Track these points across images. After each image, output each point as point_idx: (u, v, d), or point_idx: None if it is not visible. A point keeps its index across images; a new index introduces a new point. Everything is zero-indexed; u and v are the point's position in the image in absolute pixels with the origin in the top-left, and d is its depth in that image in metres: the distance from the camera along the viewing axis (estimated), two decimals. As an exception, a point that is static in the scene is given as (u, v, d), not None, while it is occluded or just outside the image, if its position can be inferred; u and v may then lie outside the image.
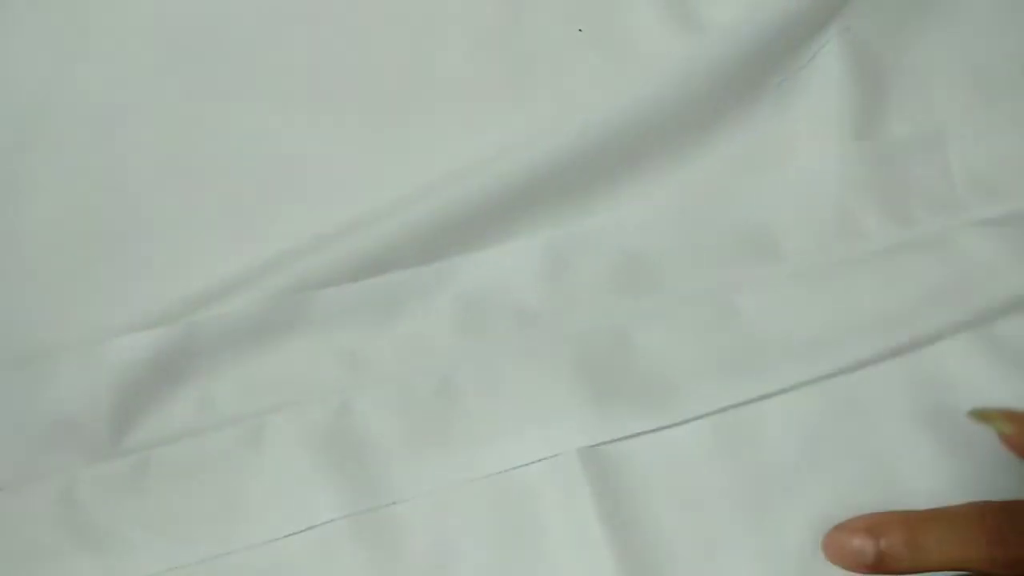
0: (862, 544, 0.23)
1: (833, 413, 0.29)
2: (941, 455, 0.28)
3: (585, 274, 0.32)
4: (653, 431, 0.29)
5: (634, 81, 0.33)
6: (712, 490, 0.28)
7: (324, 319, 0.32)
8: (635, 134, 0.33)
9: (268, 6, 0.37)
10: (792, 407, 0.29)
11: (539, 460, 0.29)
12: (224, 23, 0.36)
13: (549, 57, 0.36)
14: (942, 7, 0.35)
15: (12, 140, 0.35)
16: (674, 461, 0.29)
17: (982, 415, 0.26)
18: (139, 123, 0.35)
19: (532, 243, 0.33)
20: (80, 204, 0.34)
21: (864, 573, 0.23)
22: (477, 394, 0.30)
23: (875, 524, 0.23)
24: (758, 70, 0.34)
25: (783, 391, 0.29)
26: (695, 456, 0.29)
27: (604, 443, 0.29)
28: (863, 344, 0.29)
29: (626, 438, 0.29)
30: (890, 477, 0.28)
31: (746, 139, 0.34)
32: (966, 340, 0.29)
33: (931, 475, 0.28)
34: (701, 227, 0.33)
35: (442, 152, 0.33)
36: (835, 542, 0.24)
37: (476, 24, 0.36)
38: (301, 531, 0.29)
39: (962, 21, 0.35)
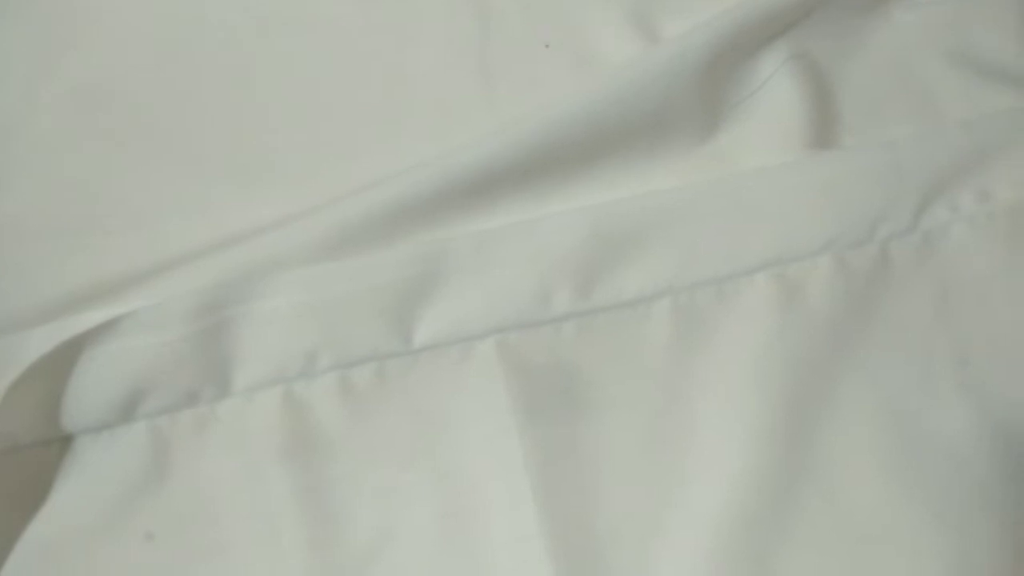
0: None
1: None
2: None
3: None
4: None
5: (587, 88, 0.34)
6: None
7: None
8: (592, 138, 0.34)
9: (249, 12, 0.38)
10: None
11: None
12: (205, 23, 0.38)
13: (516, 71, 0.37)
14: (889, 27, 0.36)
15: None
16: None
17: None
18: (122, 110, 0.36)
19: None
20: (61, 191, 0.35)
21: None
22: None
23: None
24: (712, 85, 0.35)
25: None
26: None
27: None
28: None
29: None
30: None
31: (701, 153, 0.35)
32: None
33: None
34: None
35: (408, 156, 0.34)
36: None
37: (447, 37, 0.37)
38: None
39: (907, 40, 0.36)
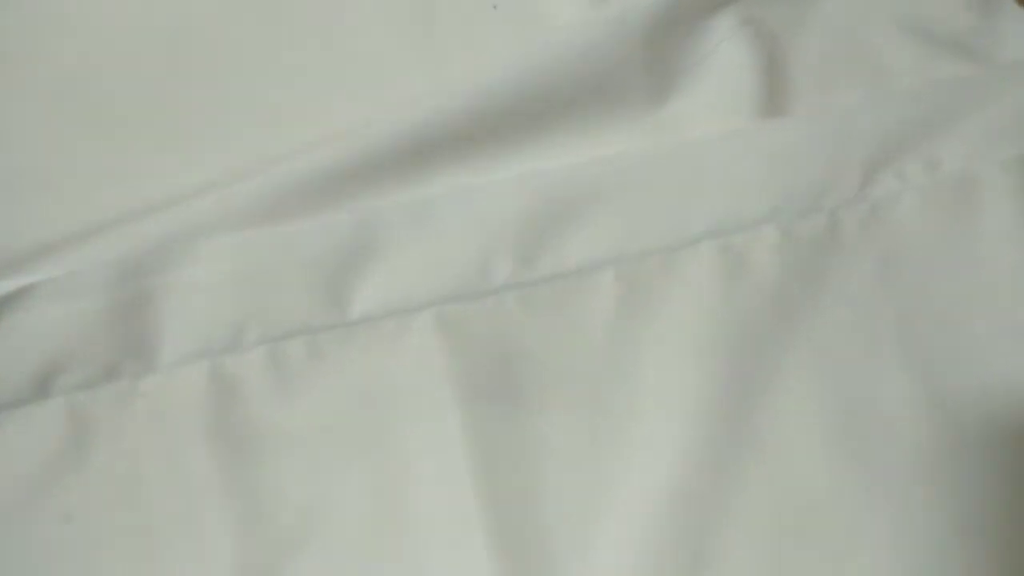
0: None
1: None
2: None
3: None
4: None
5: (536, 49, 0.33)
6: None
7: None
8: (536, 101, 0.33)
9: None
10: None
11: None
12: None
13: (462, 32, 0.36)
14: None
15: None
16: None
17: None
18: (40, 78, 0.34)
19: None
20: None
21: None
22: None
23: None
24: (661, 50, 0.34)
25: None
26: None
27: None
28: None
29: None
30: None
31: (649, 119, 0.34)
32: None
33: None
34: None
35: (344, 119, 0.33)
36: None
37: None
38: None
39: (858, 8, 0.35)
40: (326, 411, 0.30)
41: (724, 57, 0.34)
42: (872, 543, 0.28)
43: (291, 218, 0.31)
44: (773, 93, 0.34)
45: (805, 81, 0.34)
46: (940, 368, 0.30)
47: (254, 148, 0.32)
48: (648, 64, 0.34)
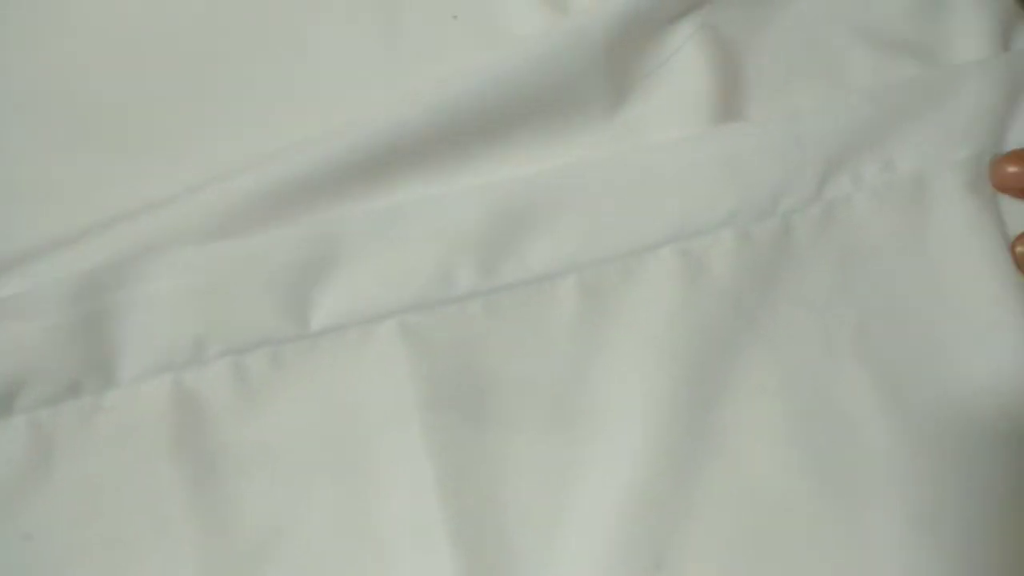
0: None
1: None
2: None
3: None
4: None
5: (497, 59, 0.33)
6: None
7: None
8: (497, 110, 0.33)
9: None
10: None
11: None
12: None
13: (423, 43, 0.35)
14: (797, 1, 0.36)
15: None
16: None
17: None
18: None
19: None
20: None
21: None
22: None
23: None
24: (620, 57, 0.34)
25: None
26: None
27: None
28: None
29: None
30: None
31: (608, 126, 0.34)
32: None
33: None
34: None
35: (306, 130, 0.32)
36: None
37: (350, 6, 0.36)
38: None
39: (815, 13, 0.36)
40: (290, 423, 0.30)
41: (682, 63, 0.34)
42: (832, 542, 0.28)
43: (252, 230, 0.31)
44: (730, 98, 0.34)
45: (762, 86, 0.35)
46: (898, 367, 0.30)
47: (214, 160, 0.32)
48: (607, 72, 0.34)
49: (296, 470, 0.29)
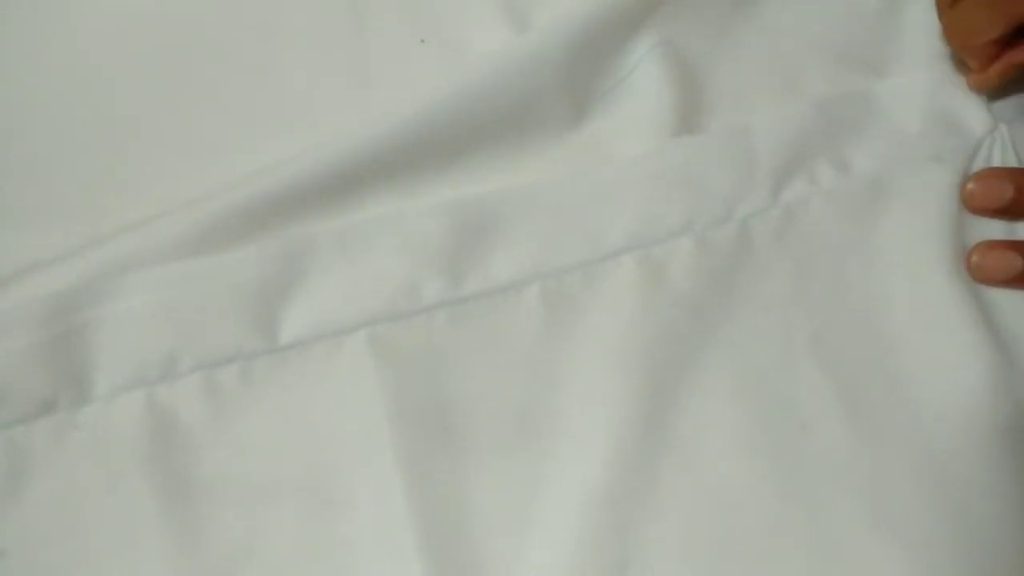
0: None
1: None
2: None
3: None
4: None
5: (458, 77, 0.34)
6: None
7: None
8: (460, 128, 0.33)
9: (102, 9, 0.37)
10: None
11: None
12: (64, 25, 0.37)
13: (390, 67, 0.36)
14: (755, 16, 0.37)
15: None
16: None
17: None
18: None
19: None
20: None
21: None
22: None
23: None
24: (580, 74, 0.35)
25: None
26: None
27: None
28: None
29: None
30: None
31: (569, 142, 0.35)
32: None
33: None
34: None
35: (274, 154, 0.33)
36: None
37: (317, 32, 0.37)
38: None
39: (773, 28, 0.37)
40: (260, 437, 0.30)
41: (641, 79, 0.35)
42: (792, 543, 0.29)
43: (222, 248, 0.31)
44: (688, 112, 0.35)
45: (721, 100, 0.36)
46: (854, 370, 0.31)
47: (184, 184, 0.33)
48: (568, 87, 0.35)
49: (266, 485, 0.30)
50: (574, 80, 0.35)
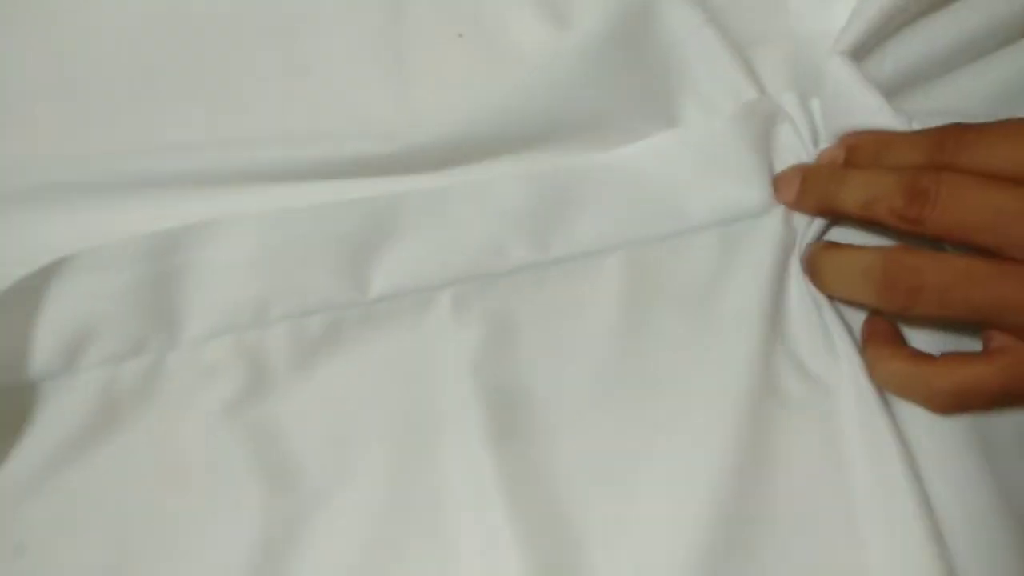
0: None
1: None
2: None
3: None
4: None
5: (507, 74, 0.35)
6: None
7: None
8: (508, 126, 0.34)
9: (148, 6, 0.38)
10: None
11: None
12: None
13: (428, 61, 0.36)
14: None
15: None
16: None
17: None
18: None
19: None
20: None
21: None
22: None
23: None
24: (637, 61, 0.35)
25: None
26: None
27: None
28: None
29: None
30: None
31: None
32: None
33: None
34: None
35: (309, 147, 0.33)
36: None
37: (355, 25, 0.37)
38: None
39: None
40: (347, 385, 0.31)
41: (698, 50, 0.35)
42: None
43: (316, 199, 0.32)
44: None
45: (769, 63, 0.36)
46: None
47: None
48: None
49: (350, 436, 0.30)
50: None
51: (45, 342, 0.30)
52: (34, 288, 0.30)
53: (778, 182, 0.33)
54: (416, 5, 0.37)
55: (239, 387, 0.31)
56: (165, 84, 0.36)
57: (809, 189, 0.31)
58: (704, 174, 0.33)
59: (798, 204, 0.32)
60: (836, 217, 0.32)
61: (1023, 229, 0.25)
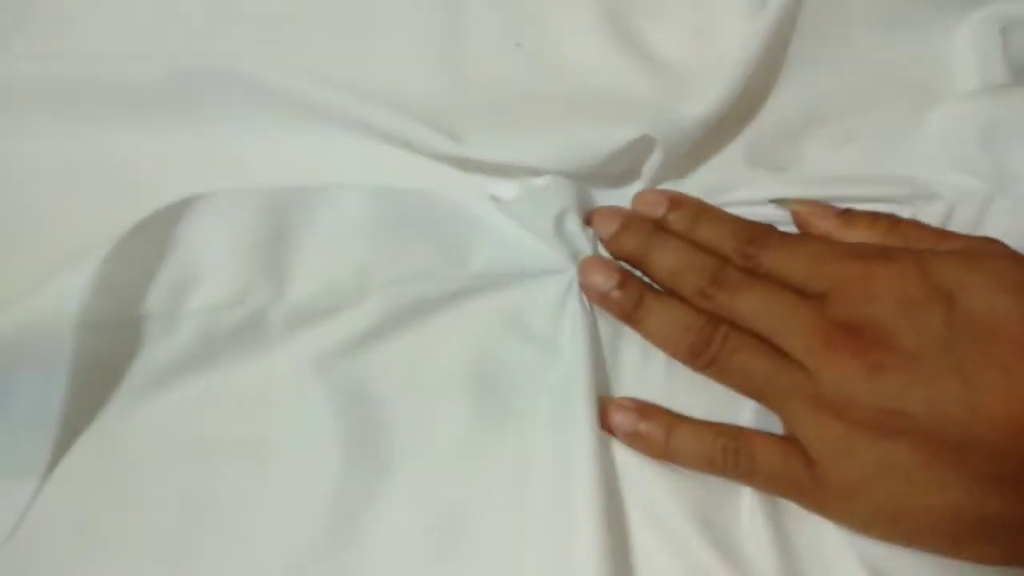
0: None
1: None
2: None
3: None
4: None
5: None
6: None
7: None
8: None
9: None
10: None
11: None
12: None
13: (485, 68, 0.37)
14: None
15: None
16: None
17: (780, 201, 0.34)
18: None
19: None
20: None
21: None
22: None
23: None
24: None
25: None
26: None
27: None
28: None
29: None
30: None
31: None
32: None
33: None
34: None
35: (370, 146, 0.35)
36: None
37: (415, 29, 0.38)
38: None
39: None
40: (430, 354, 0.32)
41: None
42: None
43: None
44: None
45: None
46: None
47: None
48: None
49: (438, 389, 0.32)
50: None
51: (155, 282, 0.31)
52: (154, 228, 0.31)
53: (597, 215, 0.34)
54: (477, 11, 0.38)
55: (334, 345, 0.32)
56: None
57: (628, 235, 0.33)
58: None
59: (612, 242, 0.33)
60: (635, 267, 0.33)
61: (794, 337, 0.29)
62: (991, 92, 0.36)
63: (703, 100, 0.35)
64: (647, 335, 0.32)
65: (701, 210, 0.33)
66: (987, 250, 0.29)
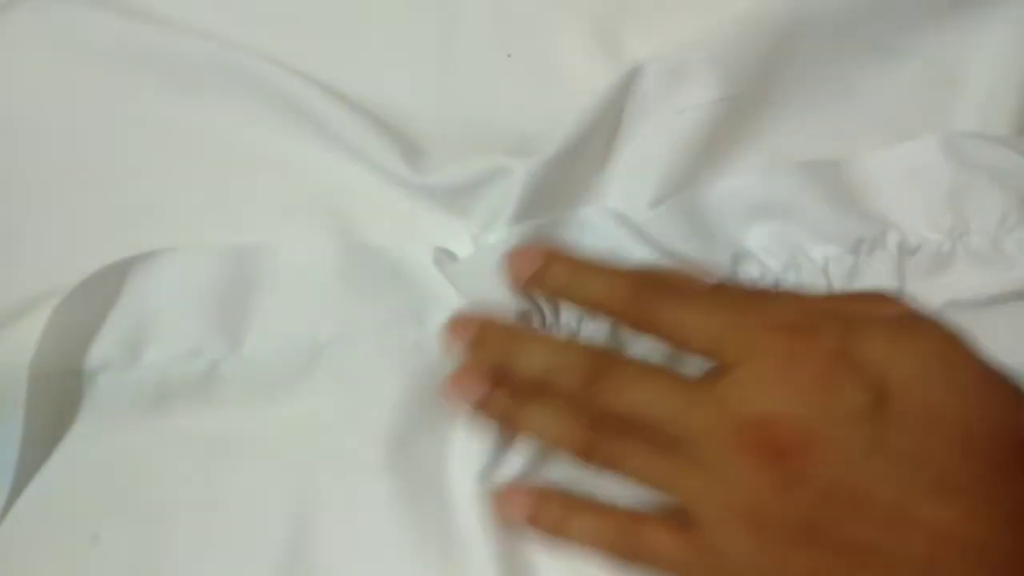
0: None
1: None
2: None
3: None
4: None
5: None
6: None
7: None
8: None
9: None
10: None
11: None
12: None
13: (476, 78, 0.37)
14: None
15: None
16: None
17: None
18: None
19: None
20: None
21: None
22: None
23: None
24: None
25: None
26: None
27: None
28: None
29: None
30: None
31: None
32: None
33: None
34: None
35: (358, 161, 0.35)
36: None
37: (407, 39, 0.38)
38: None
39: None
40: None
41: None
42: None
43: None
44: None
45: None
46: None
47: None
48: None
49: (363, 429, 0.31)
50: None
51: (109, 333, 0.31)
52: (109, 279, 0.31)
53: (452, 324, 0.31)
54: (468, 21, 0.38)
55: (287, 393, 0.32)
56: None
57: (484, 349, 0.30)
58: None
59: (471, 353, 0.30)
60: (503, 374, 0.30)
61: (697, 437, 0.26)
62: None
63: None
64: (536, 438, 0.30)
65: (580, 263, 0.30)
66: (916, 326, 0.27)
